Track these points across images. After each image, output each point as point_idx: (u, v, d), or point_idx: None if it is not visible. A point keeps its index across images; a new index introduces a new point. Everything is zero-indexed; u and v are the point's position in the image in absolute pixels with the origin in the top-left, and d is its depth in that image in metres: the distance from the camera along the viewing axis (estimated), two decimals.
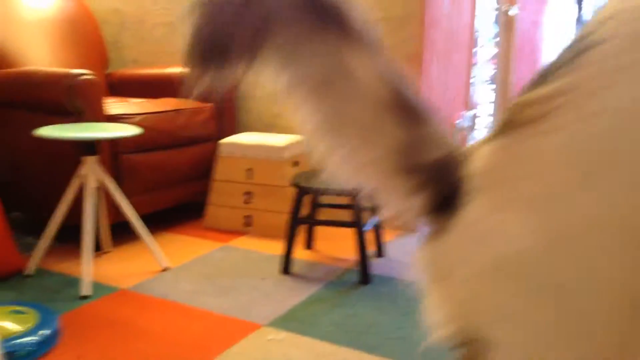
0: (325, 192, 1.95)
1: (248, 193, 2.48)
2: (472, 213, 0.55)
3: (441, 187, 0.58)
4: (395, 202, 0.61)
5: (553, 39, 3.86)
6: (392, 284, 1.94)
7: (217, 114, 2.69)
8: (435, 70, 2.53)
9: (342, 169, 0.63)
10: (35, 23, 2.66)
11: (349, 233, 2.48)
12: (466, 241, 0.55)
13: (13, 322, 1.52)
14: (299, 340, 1.56)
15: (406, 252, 2.26)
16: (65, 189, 2.06)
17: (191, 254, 2.20)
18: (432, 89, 2.53)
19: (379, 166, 0.61)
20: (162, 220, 2.61)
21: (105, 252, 2.20)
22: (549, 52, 3.82)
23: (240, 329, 1.61)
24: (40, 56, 2.61)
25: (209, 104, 2.65)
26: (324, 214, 2.63)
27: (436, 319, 0.58)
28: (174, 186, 2.50)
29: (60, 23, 2.77)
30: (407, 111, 0.61)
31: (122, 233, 2.39)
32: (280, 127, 2.76)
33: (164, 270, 2.04)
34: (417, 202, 0.60)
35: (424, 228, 0.61)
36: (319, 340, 1.55)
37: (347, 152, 0.62)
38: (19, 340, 1.44)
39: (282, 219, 2.41)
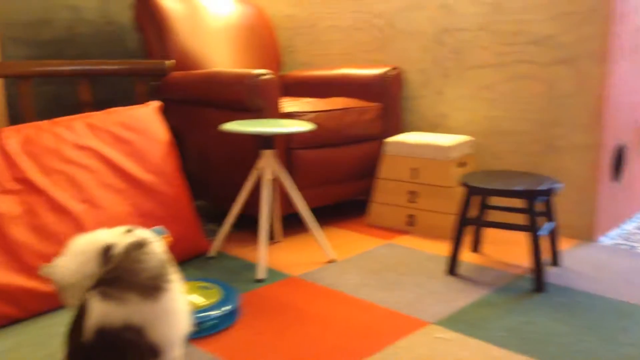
0: (496, 193, 1.87)
1: (412, 192, 2.47)
2: None
3: None
4: None
5: None
6: (570, 295, 1.81)
7: (383, 113, 2.72)
8: (621, 69, 2.32)
9: None
10: (219, 29, 2.90)
11: (518, 238, 2.36)
12: None
13: (200, 296, 1.66)
14: (469, 341, 1.51)
15: (584, 262, 2.09)
16: (244, 181, 2.21)
17: (356, 249, 2.25)
18: (618, 89, 2.33)
19: None
20: (326, 215, 2.70)
21: (276, 242, 2.33)
22: None
23: (406, 325, 1.61)
24: (223, 59, 2.85)
25: (375, 104, 2.69)
26: (492, 217, 2.54)
27: None
28: (339, 183, 2.58)
29: (241, 29, 2.99)
30: None
31: (291, 225, 2.52)
32: (444, 127, 2.71)
33: (331, 262, 2.10)
34: None
35: None
36: (490, 344, 1.50)
37: None
38: (204, 313, 1.58)
39: (446, 220, 2.36)
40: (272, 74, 2.25)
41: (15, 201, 1.75)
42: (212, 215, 2.75)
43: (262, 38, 3.06)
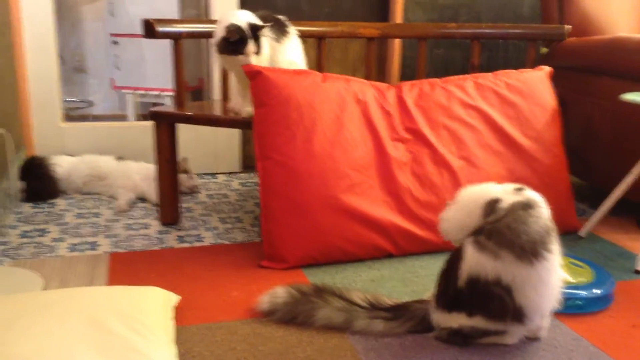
0: None
1: None
2: None
3: None
4: None
5: None
6: None
7: None
8: None
9: None
10: None
11: None
12: None
13: (569, 273, 1.56)
14: None
15: None
16: (635, 161, 1.97)
17: None
18: None
19: None
20: None
21: None
22: None
23: None
24: (630, 25, 2.55)
25: None
26: None
27: None
28: None
29: None
30: None
31: None
32: None
33: None
34: None
35: None
36: None
37: None
38: (572, 291, 1.48)
39: None
40: None
41: (405, 149, 1.92)
42: (584, 193, 2.55)
43: None
